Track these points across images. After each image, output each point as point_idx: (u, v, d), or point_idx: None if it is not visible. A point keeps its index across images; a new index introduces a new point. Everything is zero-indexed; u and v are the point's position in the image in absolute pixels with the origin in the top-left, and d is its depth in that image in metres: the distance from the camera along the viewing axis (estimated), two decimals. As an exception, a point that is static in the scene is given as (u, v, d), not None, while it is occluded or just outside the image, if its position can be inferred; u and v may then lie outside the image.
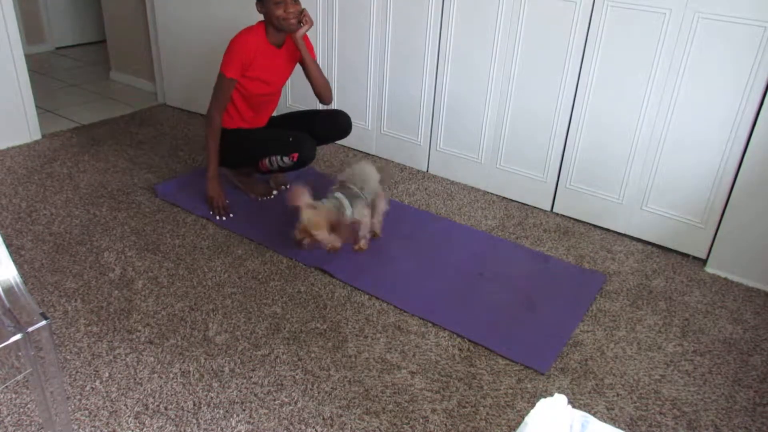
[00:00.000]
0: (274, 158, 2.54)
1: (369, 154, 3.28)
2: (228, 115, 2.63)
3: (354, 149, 3.32)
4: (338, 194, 2.23)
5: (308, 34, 2.60)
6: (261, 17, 2.55)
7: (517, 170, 2.84)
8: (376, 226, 2.44)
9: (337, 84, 3.25)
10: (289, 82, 3.15)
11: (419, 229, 2.59)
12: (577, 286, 2.27)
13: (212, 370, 1.79)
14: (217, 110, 2.55)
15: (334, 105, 3.25)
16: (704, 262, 2.46)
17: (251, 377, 1.77)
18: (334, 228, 2.12)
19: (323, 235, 2.10)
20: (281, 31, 2.51)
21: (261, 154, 2.57)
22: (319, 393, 1.73)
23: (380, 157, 3.25)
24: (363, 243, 2.38)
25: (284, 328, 1.97)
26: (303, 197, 2.10)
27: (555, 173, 2.73)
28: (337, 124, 2.69)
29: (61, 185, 2.77)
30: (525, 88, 2.68)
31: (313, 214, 2.08)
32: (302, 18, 2.50)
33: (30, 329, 1.24)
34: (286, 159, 2.51)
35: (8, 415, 1.61)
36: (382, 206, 2.43)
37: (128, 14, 3.88)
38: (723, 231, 2.36)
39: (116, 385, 1.72)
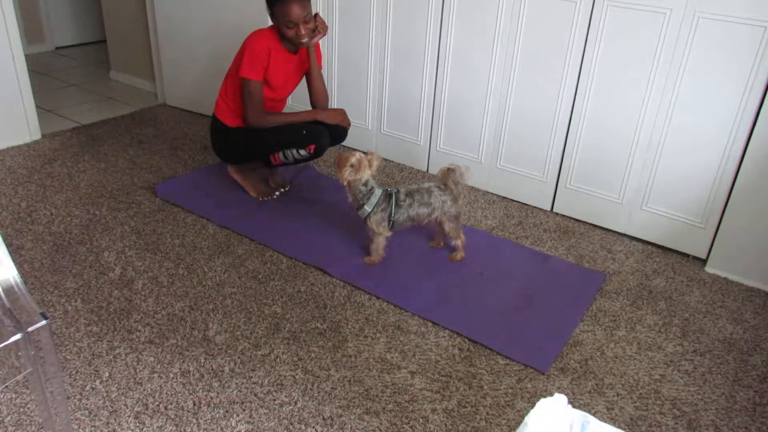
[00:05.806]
0: (289, 152, 2.54)
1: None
2: (231, 110, 2.63)
3: (354, 149, 3.31)
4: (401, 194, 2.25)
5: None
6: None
7: (517, 170, 2.83)
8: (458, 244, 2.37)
9: (337, 84, 3.25)
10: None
11: (419, 228, 2.59)
12: (577, 285, 2.27)
13: (212, 370, 1.79)
14: (258, 115, 2.53)
15: (335, 105, 3.25)
16: (704, 262, 2.46)
17: (251, 377, 1.77)
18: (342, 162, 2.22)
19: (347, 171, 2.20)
20: (294, 44, 2.52)
21: (276, 147, 2.57)
22: (319, 393, 1.73)
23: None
24: (374, 256, 2.31)
25: (284, 328, 1.97)
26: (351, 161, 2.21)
27: (555, 173, 2.73)
28: (334, 132, 2.69)
29: (61, 185, 2.77)
30: (525, 88, 2.68)
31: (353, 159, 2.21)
32: (316, 27, 2.48)
33: (30, 329, 1.24)
34: (302, 152, 2.52)
35: (8, 415, 1.61)
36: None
37: (128, 14, 3.88)
38: (723, 231, 2.36)
39: (116, 385, 1.72)
